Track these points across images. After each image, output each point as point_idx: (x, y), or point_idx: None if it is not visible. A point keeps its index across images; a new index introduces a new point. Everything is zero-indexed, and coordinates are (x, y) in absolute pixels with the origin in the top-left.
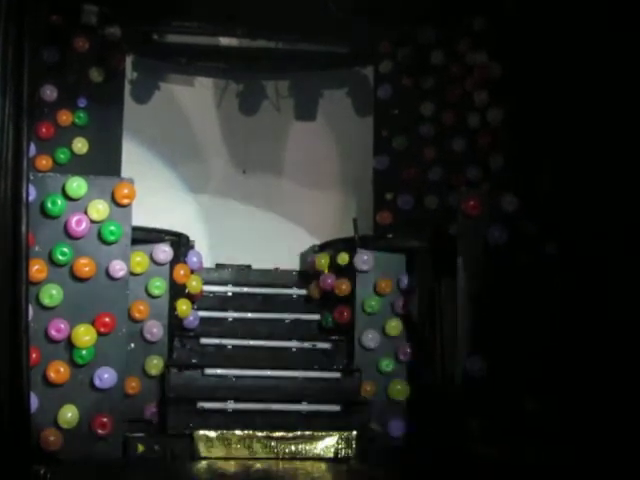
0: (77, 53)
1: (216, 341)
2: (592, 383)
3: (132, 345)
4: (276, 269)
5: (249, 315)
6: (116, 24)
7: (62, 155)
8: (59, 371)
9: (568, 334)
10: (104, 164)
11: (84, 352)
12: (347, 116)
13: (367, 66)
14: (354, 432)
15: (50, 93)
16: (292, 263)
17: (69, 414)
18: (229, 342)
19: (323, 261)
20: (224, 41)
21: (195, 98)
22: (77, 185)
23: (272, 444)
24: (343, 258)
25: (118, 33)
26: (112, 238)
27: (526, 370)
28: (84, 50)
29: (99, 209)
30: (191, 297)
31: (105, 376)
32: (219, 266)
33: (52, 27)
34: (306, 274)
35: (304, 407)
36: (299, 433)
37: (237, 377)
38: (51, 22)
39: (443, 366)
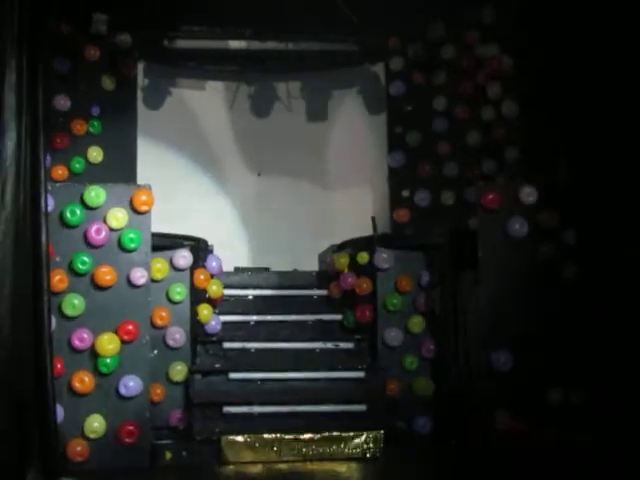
0: (88, 62)
1: (239, 345)
2: (617, 372)
3: (155, 352)
4: (295, 270)
5: (270, 318)
6: (126, 31)
7: (77, 164)
8: (84, 381)
9: (591, 324)
10: (120, 172)
11: (108, 360)
12: (359, 114)
13: (377, 63)
14: (382, 431)
15: (63, 103)
16: (310, 264)
17: (95, 424)
18: (252, 345)
19: (342, 260)
20: (234, 44)
21: (207, 102)
22: (95, 194)
23: (299, 446)
24: (363, 257)
25: (128, 40)
26: (132, 245)
27: (551, 362)
28: (95, 59)
29: (118, 217)
30: (212, 302)
31: (130, 384)
32: (238, 269)
33: (63, 37)
34: (325, 274)
35: (330, 408)
36: (326, 434)
37: (261, 380)
38: (61, 32)
39: (467, 361)
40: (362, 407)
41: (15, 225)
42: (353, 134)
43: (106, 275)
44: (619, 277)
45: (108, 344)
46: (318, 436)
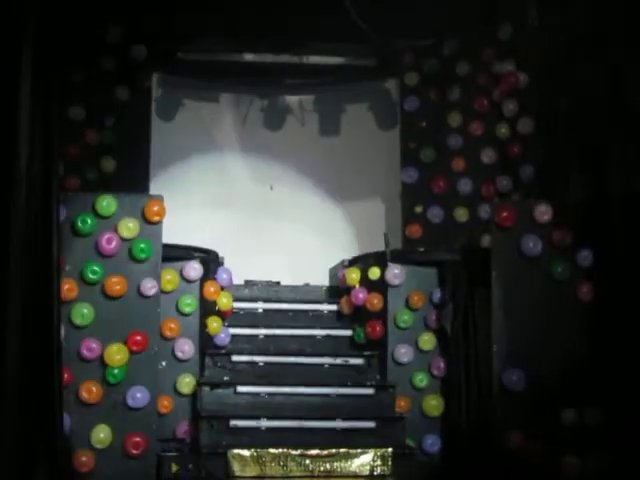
0: (103, 73)
1: (247, 358)
2: (634, 392)
3: (163, 363)
4: (306, 285)
5: (280, 332)
6: (141, 43)
7: (90, 174)
8: (91, 391)
9: (606, 344)
10: (132, 182)
11: (116, 371)
12: (372, 129)
13: (391, 78)
14: (390, 449)
15: (77, 113)
16: (322, 278)
17: (102, 434)
18: (261, 359)
19: (354, 276)
20: (248, 57)
21: (220, 114)
22: (107, 203)
23: (307, 462)
24: (374, 272)
25: (143, 52)
26: (143, 256)
27: (565, 381)
28: (110, 70)
29: (129, 227)
30: (222, 314)
31: (138, 395)
32: (248, 283)
33: (78, 48)
34: (336, 289)
35: (338, 424)
36: (334, 450)
37: (269, 394)
38: (77, 43)
39: (478, 380)
40: (371, 424)
41: (26, 235)
42: (366, 149)
43: (116, 285)
44: (635, 296)
45: (117, 354)
46: (325, 452)
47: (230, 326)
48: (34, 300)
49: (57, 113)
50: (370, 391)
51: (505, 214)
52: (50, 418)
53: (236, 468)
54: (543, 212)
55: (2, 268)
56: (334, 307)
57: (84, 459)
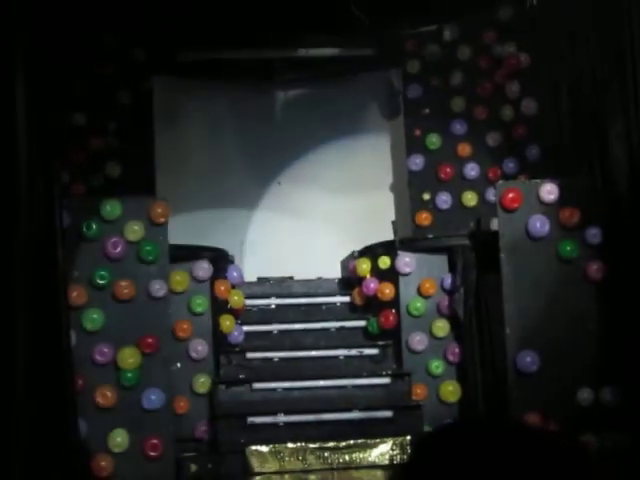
0: (103, 77)
1: (262, 355)
2: None
3: (178, 364)
4: (318, 278)
5: (294, 326)
6: (140, 46)
7: (96, 180)
8: (106, 395)
9: (619, 322)
10: (139, 186)
11: (130, 374)
12: (377, 119)
13: (393, 68)
14: (408, 437)
15: (79, 119)
16: (334, 271)
17: (119, 438)
18: (275, 355)
19: (364, 266)
20: (249, 54)
21: (224, 113)
22: (111, 207)
23: (325, 455)
24: (384, 262)
25: (142, 54)
26: (150, 258)
27: (580, 361)
28: (110, 74)
29: (135, 230)
30: (234, 312)
31: (152, 397)
32: (261, 279)
33: (77, 53)
34: (348, 281)
35: (355, 415)
36: (352, 442)
37: (286, 389)
38: (76, 48)
39: (493, 363)
40: (388, 413)
41: (30, 244)
42: (371, 139)
43: (125, 289)
44: None
45: (129, 358)
46: (344, 444)
47: (243, 323)
48: (42, 307)
49: (57, 120)
50: (386, 380)
51: (511, 195)
52: (64, 424)
53: (255, 464)
54: (549, 192)
55: (8, 277)
56: (347, 299)
57: (103, 464)
